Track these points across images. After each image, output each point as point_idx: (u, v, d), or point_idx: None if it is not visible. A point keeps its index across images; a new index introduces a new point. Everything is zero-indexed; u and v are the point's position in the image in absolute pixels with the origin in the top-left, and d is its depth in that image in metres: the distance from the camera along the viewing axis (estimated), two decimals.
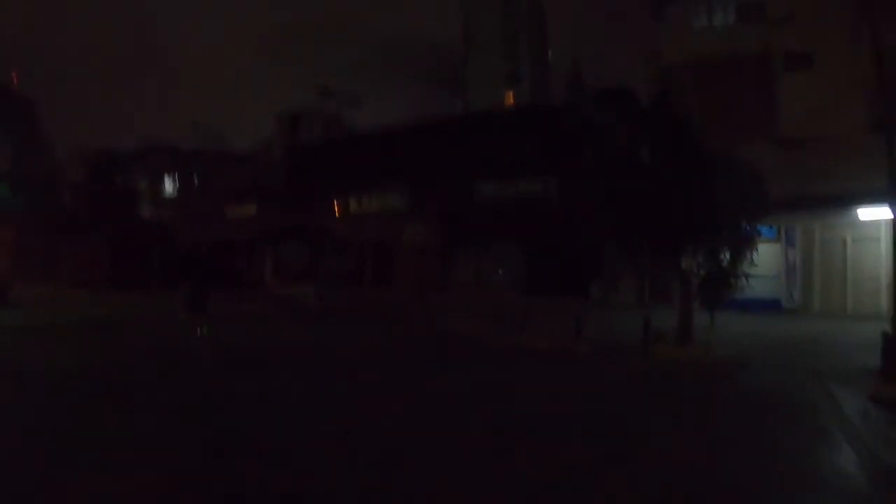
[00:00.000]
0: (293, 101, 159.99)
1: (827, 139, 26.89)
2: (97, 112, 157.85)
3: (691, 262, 17.53)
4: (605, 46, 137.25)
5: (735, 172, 17.50)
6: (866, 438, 8.05)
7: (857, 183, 25.25)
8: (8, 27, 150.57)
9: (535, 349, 15.69)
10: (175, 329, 17.36)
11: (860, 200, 25.65)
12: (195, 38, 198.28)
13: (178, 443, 7.69)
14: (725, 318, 16.96)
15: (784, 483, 6.71)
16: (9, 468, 6.89)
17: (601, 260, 30.96)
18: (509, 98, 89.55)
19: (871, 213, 24.73)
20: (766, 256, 22.80)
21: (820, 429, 8.73)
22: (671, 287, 32.14)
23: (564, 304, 27.02)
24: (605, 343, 16.34)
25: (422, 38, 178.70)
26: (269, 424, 8.59)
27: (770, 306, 27.76)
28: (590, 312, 25.31)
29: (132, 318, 21.70)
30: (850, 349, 16.28)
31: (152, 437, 7.88)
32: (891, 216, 14.29)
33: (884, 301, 23.74)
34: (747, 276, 17.04)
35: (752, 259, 17.26)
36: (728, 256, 17.21)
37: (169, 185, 69.12)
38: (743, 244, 16.99)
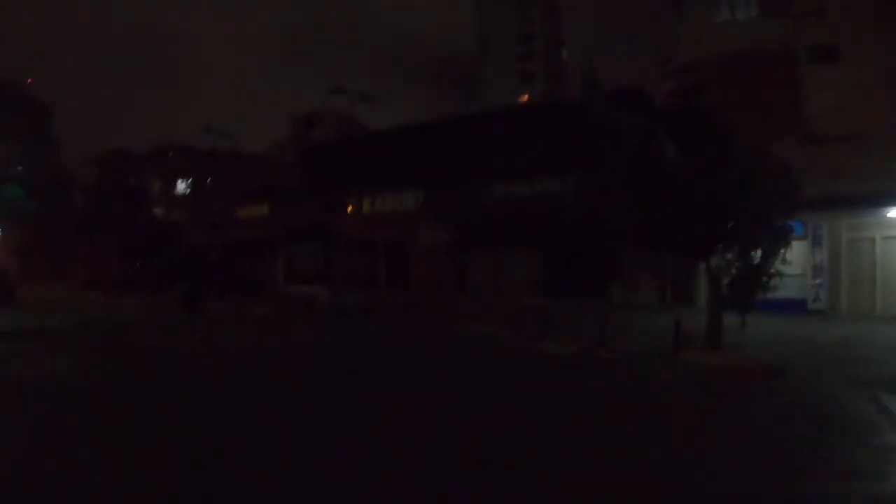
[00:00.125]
0: (306, 102, 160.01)
1: (854, 135, 26.10)
2: (110, 114, 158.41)
3: (721, 262, 16.78)
4: (620, 46, 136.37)
5: (766, 167, 16.79)
6: None
7: (885, 181, 24.53)
8: (21, 30, 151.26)
9: (560, 355, 14.99)
10: (174, 332, 16.77)
11: (889, 199, 24.91)
12: (207, 40, 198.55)
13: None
14: (749, 319, 16.19)
15: None
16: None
17: (621, 260, 30.26)
18: (524, 98, 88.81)
19: None
20: (791, 255, 22.11)
21: (888, 447, 7.94)
22: (693, 288, 31.57)
23: (584, 307, 26.33)
24: (632, 348, 15.60)
25: (435, 38, 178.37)
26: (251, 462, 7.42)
27: (795, 307, 27.01)
28: (611, 315, 24.66)
29: (136, 321, 21.14)
30: (888, 354, 15.52)
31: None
32: None
33: None
34: (781, 275, 16.31)
35: (785, 257, 16.56)
36: (759, 255, 16.49)
37: (181, 186, 69.01)
38: (777, 241, 16.24)
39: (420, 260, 35.57)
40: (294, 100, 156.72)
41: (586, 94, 48.66)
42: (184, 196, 67.59)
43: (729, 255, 16.83)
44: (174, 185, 68.83)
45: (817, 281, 28.01)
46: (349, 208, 39.41)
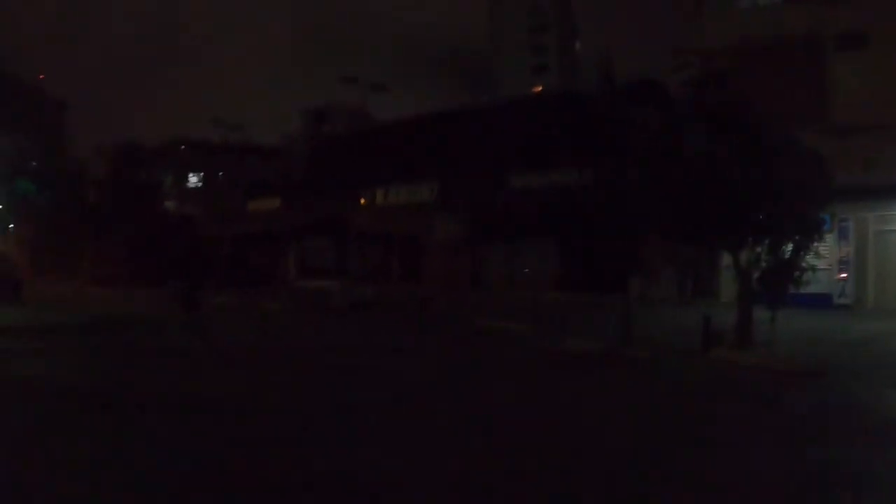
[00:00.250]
0: (317, 95, 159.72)
1: (882, 125, 25.21)
2: (122, 108, 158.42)
3: (751, 255, 16.04)
4: (631, 38, 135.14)
5: (796, 156, 16.01)
6: None
7: None
8: (33, 25, 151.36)
9: (584, 352, 14.31)
10: (177, 330, 16.17)
11: None
12: (219, 35, 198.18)
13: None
14: (767, 315, 15.43)
15: None
16: None
17: (640, 254, 29.51)
18: (537, 90, 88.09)
19: None
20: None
21: None
22: (714, 282, 30.74)
23: (602, 301, 25.62)
24: (658, 345, 14.87)
25: (446, 31, 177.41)
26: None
27: (820, 302, 26.18)
28: (631, 310, 23.95)
29: (141, 318, 20.58)
30: None
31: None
32: None
33: None
34: (814, 269, 15.55)
35: (817, 250, 15.80)
36: (791, 248, 15.74)
37: (193, 180, 68.64)
38: (809, 233, 15.48)
39: (434, 253, 34.92)
40: (305, 93, 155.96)
41: (602, 85, 47.93)
42: (195, 190, 67.26)
43: (758, 249, 16.09)
44: (186, 179, 68.49)
45: (843, 275, 27.18)
46: (362, 201, 38.83)
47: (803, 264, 15.60)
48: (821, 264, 24.50)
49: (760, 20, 30.44)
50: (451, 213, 33.53)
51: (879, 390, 10.69)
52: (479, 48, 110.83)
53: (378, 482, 6.12)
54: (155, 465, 6.54)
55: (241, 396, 10.00)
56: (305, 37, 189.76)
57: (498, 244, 33.32)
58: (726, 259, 29.83)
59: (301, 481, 6.11)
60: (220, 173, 61.83)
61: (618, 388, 10.98)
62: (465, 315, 22.12)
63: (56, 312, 21.13)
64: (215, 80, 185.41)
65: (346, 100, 60.56)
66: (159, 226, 44.02)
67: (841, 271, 27.11)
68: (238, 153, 60.89)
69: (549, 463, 6.81)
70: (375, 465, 6.63)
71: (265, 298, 28.46)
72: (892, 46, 26.44)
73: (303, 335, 18.62)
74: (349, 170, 39.80)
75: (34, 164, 77.54)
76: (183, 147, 69.01)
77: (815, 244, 15.85)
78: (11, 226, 48.00)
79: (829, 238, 26.10)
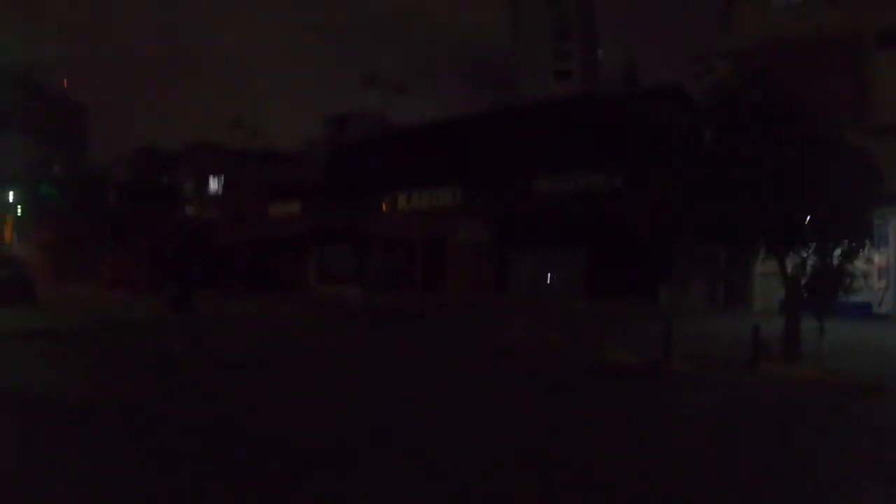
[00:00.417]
0: (339, 101, 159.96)
1: None
2: (143, 113, 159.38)
3: (796, 261, 15.08)
4: (654, 45, 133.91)
5: (848, 155, 15.05)
6: None
7: None
8: (55, 31, 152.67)
9: (623, 365, 13.40)
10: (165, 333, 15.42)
11: None
12: (240, 39, 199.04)
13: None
14: (813, 325, 14.46)
15: None
16: None
17: (670, 260, 28.57)
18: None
19: None
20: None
21: None
22: (747, 289, 29.68)
23: (632, 310, 24.73)
24: (700, 358, 13.93)
25: (468, 37, 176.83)
26: None
27: (859, 311, 25.14)
28: (663, 319, 22.98)
29: (148, 322, 19.90)
30: None
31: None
32: None
33: None
34: (867, 275, 14.59)
35: (868, 255, 14.84)
36: (839, 252, 14.79)
37: (213, 185, 68.42)
38: (860, 237, 14.52)
39: (457, 260, 34.14)
40: (326, 99, 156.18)
41: (626, 89, 47.03)
42: (215, 195, 67.04)
43: (803, 254, 15.14)
44: (206, 184, 68.32)
45: (883, 283, 26.10)
46: (383, 206, 38.17)
47: (854, 270, 14.66)
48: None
49: (795, 19, 29.42)
50: (474, 219, 32.70)
51: None
52: (502, 54, 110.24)
53: None
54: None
55: (220, 409, 9.23)
56: (328, 41, 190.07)
57: (523, 250, 32.47)
58: (760, 266, 29.03)
59: None
60: (241, 178, 61.48)
61: (672, 407, 10.01)
62: (490, 324, 21.26)
63: (63, 316, 20.61)
64: (236, 84, 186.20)
65: (367, 105, 60.23)
66: (177, 230, 43.63)
67: (881, 279, 26.07)
68: (258, 158, 60.60)
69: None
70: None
71: (284, 304, 27.79)
72: None
73: (315, 343, 17.79)
74: (370, 174, 39.14)
75: (56, 169, 78.10)
76: (202, 151, 68.87)
77: (865, 249, 14.90)
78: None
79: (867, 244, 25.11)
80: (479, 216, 32.81)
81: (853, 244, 14.71)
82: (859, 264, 14.91)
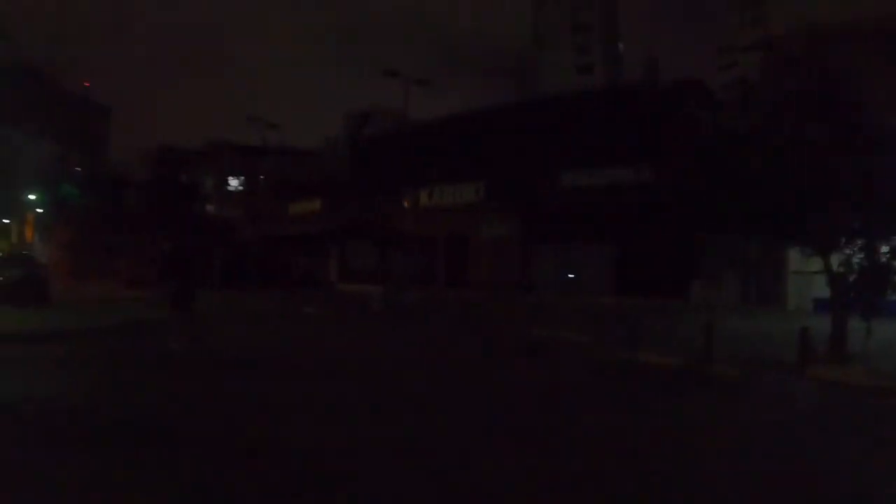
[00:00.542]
0: (359, 97, 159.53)
1: None
2: (163, 112, 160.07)
3: (842, 258, 14.22)
4: (678, 36, 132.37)
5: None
6: None
7: None
8: (76, 29, 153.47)
9: (662, 369, 12.60)
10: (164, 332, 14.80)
11: None
12: (261, 38, 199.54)
13: None
14: (852, 324, 13.59)
15: None
16: None
17: (701, 256, 27.71)
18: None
19: None
20: None
21: None
22: (779, 287, 28.72)
23: (661, 307, 23.91)
24: (743, 360, 13.09)
25: (489, 31, 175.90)
26: None
27: (893, 310, 24.15)
28: (698, 317, 22.12)
29: (151, 320, 19.33)
30: None
31: None
32: None
33: None
34: None
35: None
36: (888, 249, 13.93)
37: (233, 183, 68.33)
38: None
39: (481, 256, 33.46)
40: (346, 96, 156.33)
41: (649, 82, 46.05)
42: (236, 192, 66.93)
43: (847, 251, 14.28)
44: (226, 182, 68.24)
45: None
46: (405, 203, 37.57)
47: None
48: None
49: (830, 3, 28.42)
50: (498, 214, 32.01)
51: None
52: (523, 48, 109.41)
53: None
54: None
55: (208, 416, 8.55)
56: (345, 40, 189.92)
57: (549, 246, 31.72)
58: (794, 263, 28.07)
59: None
60: (261, 176, 61.27)
61: (728, 418, 9.16)
62: (516, 323, 20.50)
63: (73, 317, 20.12)
64: (256, 83, 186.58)
65: (388, 100, 59.73)
66: (196, 228, 43.36)
67: None
68: (278, 155, 60.35)
69: None
70: None
71: (304, 302, 27.21)
72: None
73: (332, 341, 17.08)
74: (392, 170, 38.56)
75: (77, 168, 78.38)
76: (222, 149, 68.85)
77: None
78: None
79: None
80: (503, 211, 32.13)
81: None
82: None
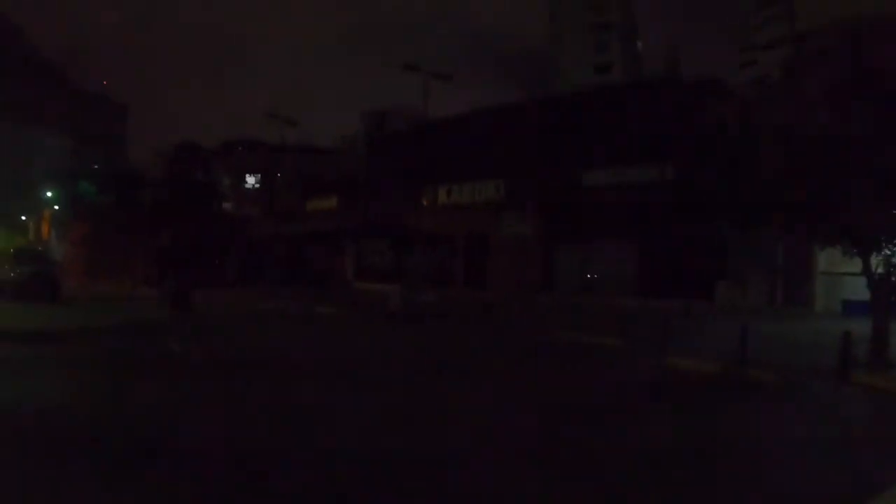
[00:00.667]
0: (378, 95, 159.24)
1: None
2: (180, 109, 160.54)
3: (880, 259, 13.57)
4: (695, 33, 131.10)
5: None
6: None
7: None
8: (94, 29, 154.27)
9: (698, 374, 11.97)
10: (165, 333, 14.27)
11: None
12: (278, 37, 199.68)
13: None
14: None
15: None
16: None
17: (726, 256, 26.98)
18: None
19: None
20: None
21: None
22: (807, 288, 27.92)
23: (686, 309, 23.20)
24: (781, 366, 12.40)
25: (508, 29, 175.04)
26: None
27: None
28: (723, 320, 21.44)
29: (155, 320, 18.88)
30: None
31: None
32: None
33: None
34: None
35: None
36: None
37: (250, 181, 68.09)
38: None
39: (501, 255, 32.83)
40: (364, 95, 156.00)
41: (674, 80, 45.25)
42: (253, 190, 66.73)
43: (888, 251, 13.61)
44: (244, 180, 68.05)
45: None
46: (424, 201, 37.04)
47: None
48: None
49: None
50: (519, 213, 31.39)
51: None
52: (540, 46, 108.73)
53: None
54: None
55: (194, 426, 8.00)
56: (363, 38, 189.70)
57: (570, 246, 31.09)
58: (822, 263, 27.30)
59: None
60: (278, 174, 60.99)
61: (778, 428, 8.47)
62: (538, 324, 19.90)
63: (80, 314, 19.81)
64: (274, 81, 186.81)
65: (405, 100, 59.27)
66: (211, 226, 43.09)
67: None
68: (295, 154, 60.04)
69: None
70: None
71: (320, 301, 26.67)
72: None
73: (347, 344, 16.47)
74: (410, 168, 38.02)
75: (96, 167, 78.60)
76: (240, 148, 68.66)
77: None
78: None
79: None
80: (524, 210, 31.52)
81: None
82: None
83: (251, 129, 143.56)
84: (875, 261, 13.57)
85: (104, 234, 45.90)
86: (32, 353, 12.93)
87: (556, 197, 30.56)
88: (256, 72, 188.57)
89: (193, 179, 57.00)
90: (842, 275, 27.28)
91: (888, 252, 13.61)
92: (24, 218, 63.51)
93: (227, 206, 63.73)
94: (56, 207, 58.13)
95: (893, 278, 13.37)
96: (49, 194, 58.70)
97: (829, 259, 26.62)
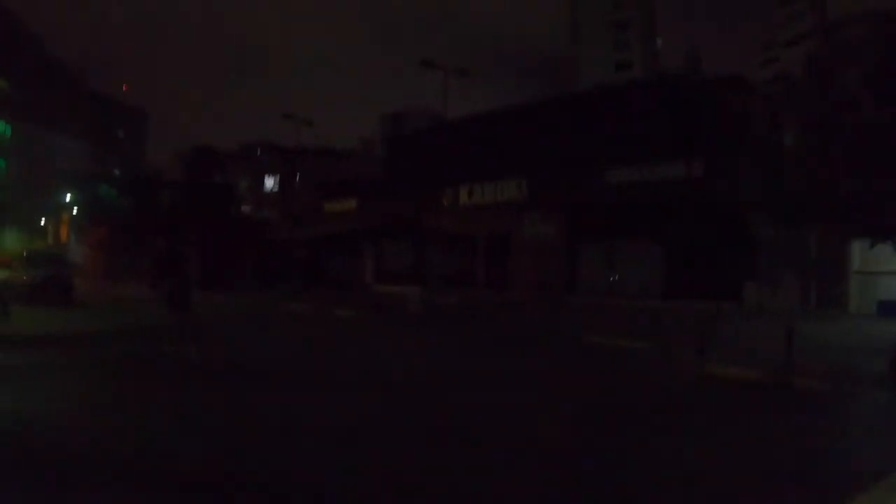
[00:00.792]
0: (395, 95, 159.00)
1: None
2: (198, 112, 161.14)
3: None
4: (715, 31, 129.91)
5: None
6: None
7: None
8: (112, 34, 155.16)
9: (740, 380, 11.28)
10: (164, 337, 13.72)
11: None
12: (297, 40, 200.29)
13: None
14: None
15: None
16: None
17: (756, 255, 26.16)
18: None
19: None
20: None
21: None
22: (841, 289, 27.04)
23: (715, 310, 22.42)
24: (829, 372, 11.63)
25: (528, 28, 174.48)
26: None
27: None
28: (756, 322, 20.73)
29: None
30: None
31: None
32: None
33: None
34: None
35: None
36: None
37: (268, 183, 67.96)
38: None
39: (523, 256, 32.15)
40: (387, 94, 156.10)
41: (697, 76, 44.40)
42: (271, 192, 66.61)
43: None
44: (262, 182, 67.98)
45: None
46: (444, 201, 36.44)
47: None
48: None
49: None
50: (541, 212, 30.73)
51: None
52: (560, 47, 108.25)
53: None
54: None
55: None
56: (381, 40, 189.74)
57: (594, 246, 30.37)
58: (856, 262, 26.43)
59: None
60: (296, 176, 60.78)
61: (817, 437, 7.88)
62: (566, 328, 19.23)
63: (89, 318, 19.54)
64: (291, 84, 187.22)
65: (423, 99, 58.89)
66: (229, 228, 42.87)
67: None
68: (313, 156, 59.87)
69: None
70: None
71: (339, 304, 26.15)
72: None
73: (361, 349, 15.78)
74: (429, 168, 37.42)
75: (115, 171, 78.89)
76: (258, 149, 68.62)
77: None
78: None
79: None
80: (546, 210, 30.85)
81: None
82: None
83: (270, 132, 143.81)
84: None
85: (122, 236, 45.96)
86: (30, 360, 12.37)
87: (579, 196, 29.83)
88: (274, 75, 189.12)
89: (211, 182, 56.99)
90: (877, 274, 26.44)
91: None
92: (43, 221, 63.84)
93: (245, 208, 63.69)
94: (75, 211, 58.37)
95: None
96: (68, 198, 58.99)
97: (864, 257, 25.80)
